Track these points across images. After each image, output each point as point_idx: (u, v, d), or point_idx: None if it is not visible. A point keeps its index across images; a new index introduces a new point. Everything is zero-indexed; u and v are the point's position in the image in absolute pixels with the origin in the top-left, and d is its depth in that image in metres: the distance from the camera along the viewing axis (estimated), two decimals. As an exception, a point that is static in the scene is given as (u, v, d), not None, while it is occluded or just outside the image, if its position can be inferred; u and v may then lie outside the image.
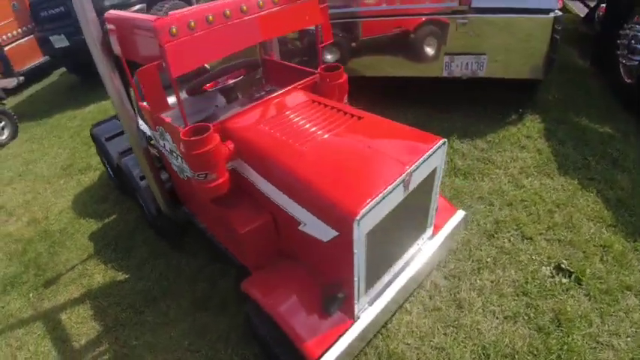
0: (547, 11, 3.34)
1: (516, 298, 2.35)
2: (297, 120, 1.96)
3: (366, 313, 1.81)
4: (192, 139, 1.78)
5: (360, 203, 1.42)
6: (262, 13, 1.97)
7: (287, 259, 2.03)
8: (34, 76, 7.60)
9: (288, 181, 1.70)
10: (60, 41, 6.33)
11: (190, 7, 1.89)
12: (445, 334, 2.21)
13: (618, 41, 3.92)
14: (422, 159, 1.60)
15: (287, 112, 2.04)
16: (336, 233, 1.51)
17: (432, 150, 1.64)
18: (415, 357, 2.13)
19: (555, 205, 2.88)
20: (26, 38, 7.29)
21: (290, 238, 1.93)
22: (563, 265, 2.47)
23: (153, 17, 1.80)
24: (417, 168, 1.59)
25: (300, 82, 2.27)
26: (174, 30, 1.73)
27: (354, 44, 3.86)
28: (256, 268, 2.08)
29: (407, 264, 1.98)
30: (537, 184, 3.05)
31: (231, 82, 2.42)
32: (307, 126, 1.90)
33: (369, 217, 1.45)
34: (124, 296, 2.79)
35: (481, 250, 2.63)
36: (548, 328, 2.19)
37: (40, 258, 3.29)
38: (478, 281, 2.45)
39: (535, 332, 2.18)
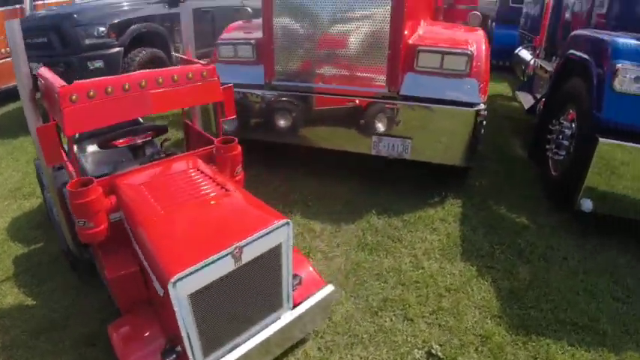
0: (471, 104, 3.61)
1: (379, 377, 2.44)
2: (173, 185, 2.16)
3: (207, 372, 1.91)
4: (74, 190, 1.99)
5: (178, 267, 1.60)
6: (160, 89, 2.22)
7: (152, 307, 2.17)
8: (13, 95, 7.81)
9: (142, 239, 1.89)
10: (38, 69, 6.63)
11: (96, 79, 2.15)
12: (299, 404, 2.29)
13: (548, 136, 4.18)
14: (255, 236, 1.77)
15: (169, 176, 2.25)
16: (163, 291, 1.66)
17: (268, 229, 1.82)
18: None
19: (447, 289, 3.00)
20: (10, 59, 7.53)
21: (150, 290, 2.08)
22: (433, 351, 2.57)
23: (62, 83, 2.07)
24: (249, 243, 1.76)
25: (197, 150, 2.52)
26: (74, 97, 2.01)
27: (307, 113, 4.10)
28: (125, 312, 2.22)
29: (259, 331, 2.09)
30: (436, 267, 3.18)
31: (138, 141, 2.65)
32: (178, 192, 2.09)
33: (188, 280, 1.62)
34: (27, 320, 2.90)
35: (361, 325, 2.73)
36: (402, 411, 2.27)
37: (-37, 274, 3.41)
38: (348, 356, 2.53)
39: (387, 414, 2.26)
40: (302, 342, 2.57)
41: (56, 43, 6.44)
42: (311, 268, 2.43)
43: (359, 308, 2.85)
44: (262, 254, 1.87)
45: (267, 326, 2.13)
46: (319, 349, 2.58)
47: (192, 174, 2.28)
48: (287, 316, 2.19)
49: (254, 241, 1.78)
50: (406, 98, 3.71)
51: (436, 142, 3.75)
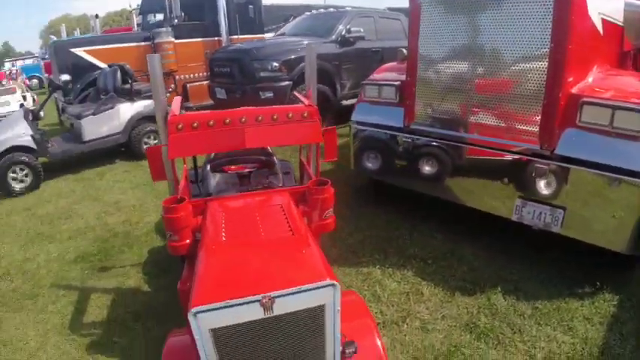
0: (652, 177, 2.77)
1: None
2: (250, 218, 2.15)
3: None
4: (166, 205, 2.16)
5: (201, 300, 1.57)
6: (258, 126, 2.31)
7: None
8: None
9: (198, 261, 1.92)
10: (220, 93, 7.80)
11: (202, 112, 2.36)
12: None
13: None
14: (290, 290, 1.63)
15: (252, 209, 2.26)
16: None
17: (307, 286, 1.64)
18: None
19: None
20: (206, 82, 8.88)
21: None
22: None
23: (175, 112, 2.34)
24: (282, 296, 1.62)
25: (290, 188, 2.55)
26: (180, 126, 2.23)
27: (443, 162, 3.75)
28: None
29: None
30: (555, 381, 2.48)
31: (246, 170, 2.88)
32: (250, 226, 2.08)
33: (210, 315, 1.57)
34: (133, 304, 3.29)
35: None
36: None
37: (112, 250, 4.09)
38: None
39: None
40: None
41: (236, 73, 7.45)
42: (378, 341, 2.11)
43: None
44: (299, 311, 1.69)
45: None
46: None
47: (274, 211, 2.25)
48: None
49: (288, 295, 1.63)
50: (563, 159, 3.04)
51: (596, 219, 2.97)
